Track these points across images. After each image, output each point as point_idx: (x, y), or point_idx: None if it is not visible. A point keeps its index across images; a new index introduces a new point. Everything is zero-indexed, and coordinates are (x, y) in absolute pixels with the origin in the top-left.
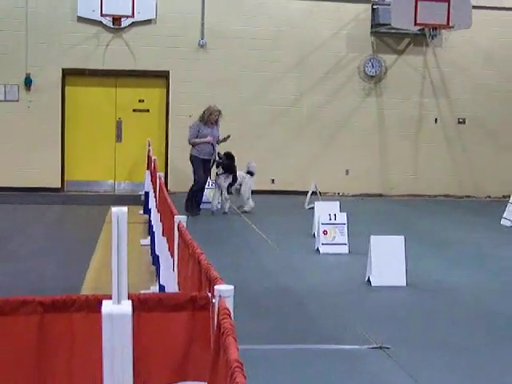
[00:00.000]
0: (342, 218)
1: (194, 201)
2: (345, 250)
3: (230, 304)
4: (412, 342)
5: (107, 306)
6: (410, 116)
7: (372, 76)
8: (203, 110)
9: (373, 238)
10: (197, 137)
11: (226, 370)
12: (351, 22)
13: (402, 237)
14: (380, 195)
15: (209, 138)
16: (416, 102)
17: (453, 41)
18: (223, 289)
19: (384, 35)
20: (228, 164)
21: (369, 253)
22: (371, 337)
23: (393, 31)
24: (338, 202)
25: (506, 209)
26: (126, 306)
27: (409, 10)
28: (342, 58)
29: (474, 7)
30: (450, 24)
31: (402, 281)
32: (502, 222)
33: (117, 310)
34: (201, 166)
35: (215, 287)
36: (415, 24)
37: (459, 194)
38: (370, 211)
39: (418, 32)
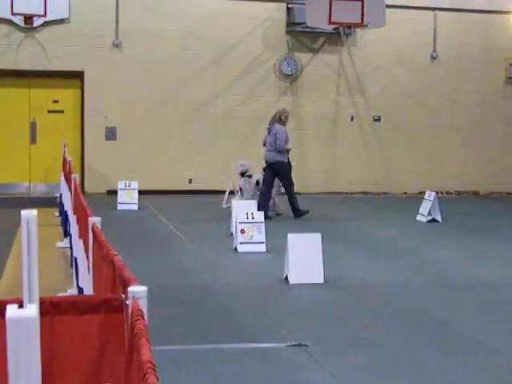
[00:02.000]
0: (260, 216)
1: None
2: (263, 248)
3: (143, 305)
4: (330, 338)
5: (11, 311)
6: (326, 114)
7: (288, 75)
8: (276, 113)
9: (290, 236)
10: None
11: (139, 371)
12: (266, 21)
13: (319, 234)
14: (297, 193)
15: (291, 146)
16: (332, 101)
17: (367, 39)
18: (136, 290)
19: (299, 34)
20: None
21: (286, 251)
22: (289, 334)
23: (308, 30)
24: (255, 201)
25: (422, 205)
26: (32, 310)
27: (323, 9)
28: (257, 57)
29: (388, 6)
30: (364, 23)
31: (319, 278)
32: (418, 217)
33: (22, 314)
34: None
35: (128, 288)
36: (330, 23)
37: (376, 190)
38: (287, 209)
39: (333, 31)
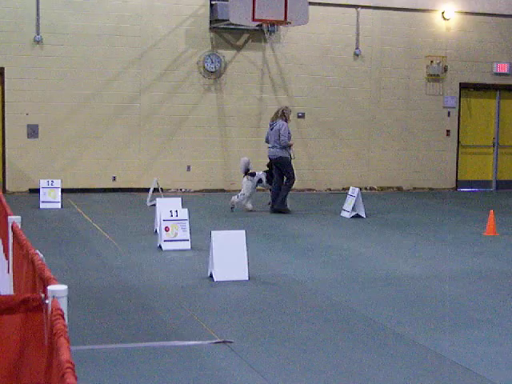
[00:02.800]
0: (184, 214)
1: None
2: (187, 246)
3: (63, 304)
4: (255, 335)
5: None
6: (251, 111)
7: (212, 72)
8: (279, 110)
9: (214, 233)
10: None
11: (58, 371)
12: (190, 18)
13: (243, 231)
14: (222, 190)
15: (292, 142)
16: (256, 97)
17: (291, 36)
18: (56, 289)
19: (223, 31)
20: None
21: (210, 248)
22: (214, 332)
23: (231, 27)
24: (179, 198)
25: (346, 201)
26: None
27: (246, 6)
28: (181, 54)
29: (311, 3)
30: (288, 20)
31: (244, 275)
32: (342, 213)
33: None
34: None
35: (48, 287)
36: (253, 20)
37: (300, 187)
38: (212, 207)
39: (257, 28)
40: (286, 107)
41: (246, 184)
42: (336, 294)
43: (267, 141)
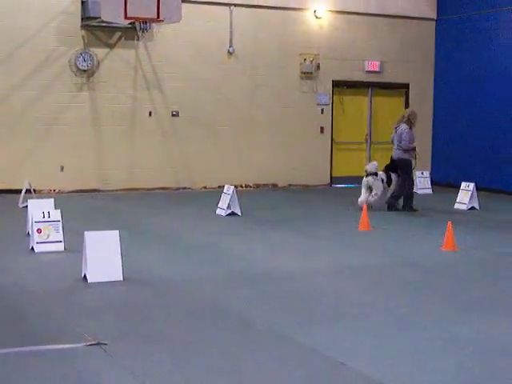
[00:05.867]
0: (57, 215)
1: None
2: (60, 247)
3: None
4: (130, 336)
5: None
6: (125, 110)
7: (84, 70)
8: (404, 115)
9: (87, 233)
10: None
11: None
12: (60, 15)
13: (117, 231)
14: (96, 190)
15: (415, 145)
16: (130, 96)
17: (165, 34)
18: None
19: (95, 28)
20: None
21: (83, 249)
22: (88, 334)
23: (104, 25)
24: (52, 199)
25: (221, 199)
26: None
27: (118, 4)
28: (52, 52)
29: (184, 1)
30: (160, 18)
31: (118, 276)
32: (218, 211)
33: None
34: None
35: None
36: (125, 17)
37: (176, 186)
38: (86, 207)
39: (129, 25)
40: (412, 111)
41: (375, 184)
42: (212, 293)
43: (392, 142)
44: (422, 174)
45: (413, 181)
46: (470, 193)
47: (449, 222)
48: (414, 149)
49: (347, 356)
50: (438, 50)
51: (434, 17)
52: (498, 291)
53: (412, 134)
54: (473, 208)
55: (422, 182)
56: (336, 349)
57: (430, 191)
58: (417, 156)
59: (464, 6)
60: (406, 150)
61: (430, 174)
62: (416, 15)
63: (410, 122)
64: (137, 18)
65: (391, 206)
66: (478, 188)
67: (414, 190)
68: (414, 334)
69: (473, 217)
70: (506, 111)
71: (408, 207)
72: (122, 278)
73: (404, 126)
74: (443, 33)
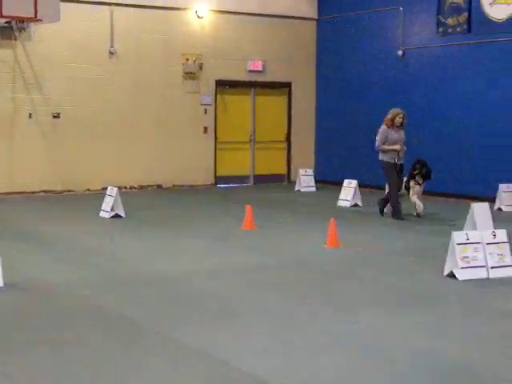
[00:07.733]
0: None
1: (399, 205)
2: None
3: None
4: (9, 343)
5: None
6: (3, 112)
7: None
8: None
9: None
10: (384, 143)
11: None
12: None
13: None
14: None
15: (397, 147)
16: (8, 98)
17: (43, 34)
18: None
19: None
20: (427, 170)
21: None
22: None
23: None
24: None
25: (104, 200)
26: None
27: None
28: None
29: (63, 0)
30: (38, 17)
31: None
32: (101, 214)
33: None
34: (394, 171)
35: None
36: (1, 16)
37: (59, 188)
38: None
39: (6, 25)
40: (393, 110)
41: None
42: (95, 297)
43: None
44: (306, 171)
45: (396, 184)
46: (353, 190)
47: (332, 220)
48: (394, 150)
49: (231, 355)
50: (319, 50)
51: (315, 16)
52: (380, 286)
53: (390, 134)
54: (356, 205)
55: (305, 180)
56: (220, 348)
57: (313, 189)
58: (399, 158)
59: (344, 6)
60: (385, 152)
61: (314, 172)
62: (297, 15)
63: (391, 121)
64: (13, 17)
65: (380, 210)
66: (361, 185)
67: (298, 189)
68: (299, 333)
69: (356, 214)
70: (384, 110)
71: (393, 214)
72: (2, 284)
73: (382, 126)
74: (324, 32)
